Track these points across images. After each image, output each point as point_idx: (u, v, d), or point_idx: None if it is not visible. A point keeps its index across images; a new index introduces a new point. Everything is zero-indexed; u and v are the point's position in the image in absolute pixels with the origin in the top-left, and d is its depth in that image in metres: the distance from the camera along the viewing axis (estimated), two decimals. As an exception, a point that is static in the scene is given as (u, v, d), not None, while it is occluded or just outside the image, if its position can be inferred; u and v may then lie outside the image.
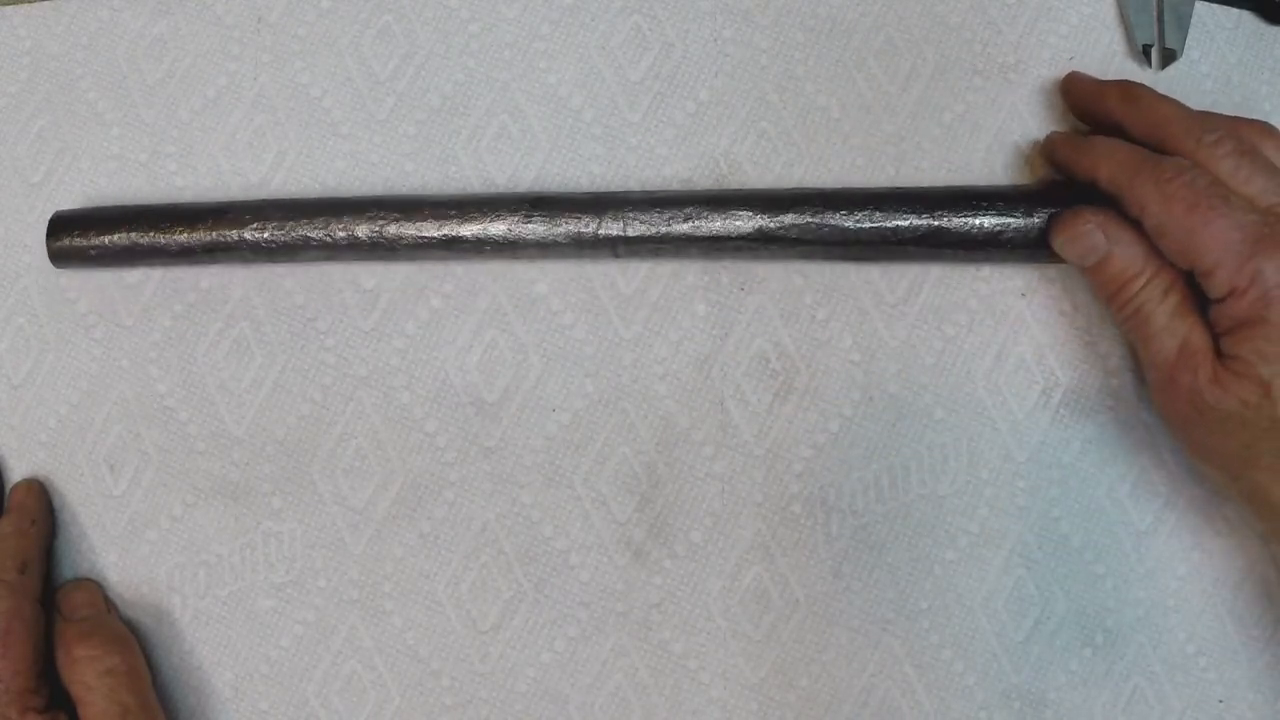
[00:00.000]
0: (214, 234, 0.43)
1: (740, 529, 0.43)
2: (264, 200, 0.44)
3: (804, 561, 0.42)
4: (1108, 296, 0.40)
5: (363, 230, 0.42)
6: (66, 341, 0.46)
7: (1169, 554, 0.42)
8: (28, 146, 0.47)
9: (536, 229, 0.41)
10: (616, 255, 0.42)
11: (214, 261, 0.44)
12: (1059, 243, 0.40)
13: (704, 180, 0.44)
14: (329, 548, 0.44)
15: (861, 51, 0.44)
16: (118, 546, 0.45)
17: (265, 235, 0.42)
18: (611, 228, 0.41)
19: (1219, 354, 0.37)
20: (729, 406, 0.43)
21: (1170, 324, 0.38)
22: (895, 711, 0.42)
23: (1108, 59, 0.43)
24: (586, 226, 0.41)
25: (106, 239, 0.43)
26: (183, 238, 0.43)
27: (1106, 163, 0.39)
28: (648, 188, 0.44)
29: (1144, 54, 0.43)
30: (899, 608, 0.42)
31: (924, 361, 0.43)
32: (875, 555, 0.42)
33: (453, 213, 0.42)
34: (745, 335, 0.43)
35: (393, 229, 0.42)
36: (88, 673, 0.40)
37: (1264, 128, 0.39)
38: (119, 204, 0.45)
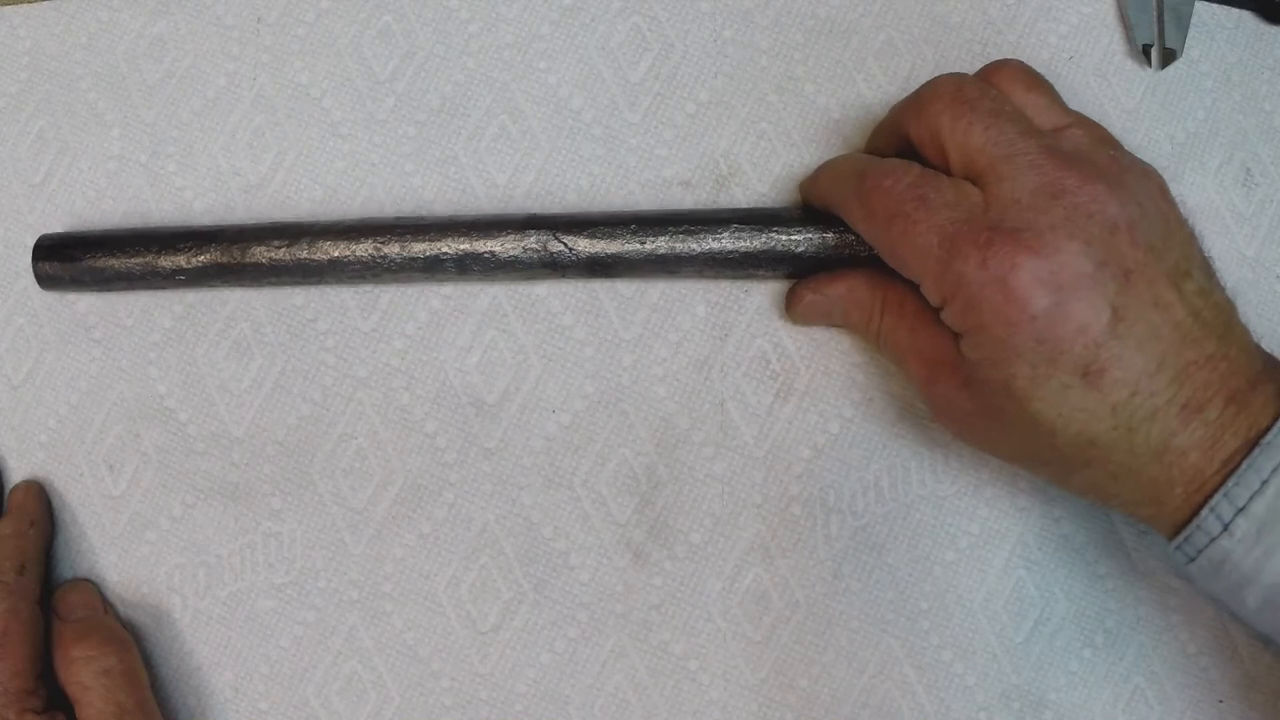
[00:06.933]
0: (205, 257, 0.43)
1: (740, 530, 0.43)
2: (260, 224, 0.44)
3: (804, 562, 0.42)
4: (862, 337, 0.41)
5: (363, 250, 0.42)
6: (66, 341, 0.46)
7: (1169, 554, 0.42)
8: (28, 146, 0.47)
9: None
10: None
11: (207, 285, 0.44)
12: (796, 320, 0.41)
13: (705, 182, 0.44)
14: (329, 548, 0.44)
15: (861, 52, 0.44)
16: (117, 547, 0.45)
17: (270, 255, 0.42)
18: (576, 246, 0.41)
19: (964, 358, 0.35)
20: (729, 407, 0.43)
21: (911, 342, 0.37)
22: (895, 712, 0.42)
23: (1107, 59, 0.43)
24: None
25: (93, 263, 0.43)
26: (170, 262, 0.43)
27: (826, 182, 0.38)
28: (649, 188, 0.44)
29: (1144, 54, 0.43)
30: (899, 608, 0.42)
31: (924, 362, 0.43)
32: (875, 556, 0.42)
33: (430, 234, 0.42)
34: (745, 336, 0.43)
35: (386, 249, 0.42)
36: (84, 673, 0.40)
37: (1013, 72, 0.36)
38: (103, 228, 0.45)
